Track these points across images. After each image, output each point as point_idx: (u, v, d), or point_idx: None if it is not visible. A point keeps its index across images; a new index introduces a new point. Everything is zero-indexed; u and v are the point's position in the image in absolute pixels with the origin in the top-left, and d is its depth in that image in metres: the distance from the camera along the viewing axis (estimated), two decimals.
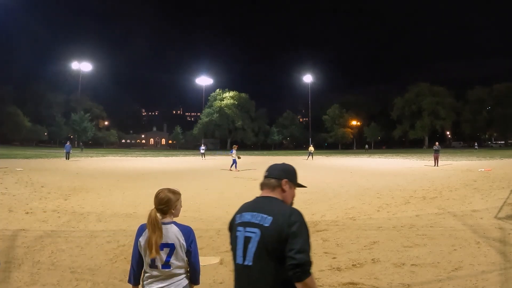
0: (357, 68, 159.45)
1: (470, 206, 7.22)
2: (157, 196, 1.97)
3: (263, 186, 1.70)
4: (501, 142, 66.30)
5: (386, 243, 4.74)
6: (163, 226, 1.89)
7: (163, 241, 1.86)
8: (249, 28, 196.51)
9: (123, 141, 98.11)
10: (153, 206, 1.96)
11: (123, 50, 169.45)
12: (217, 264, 4.06)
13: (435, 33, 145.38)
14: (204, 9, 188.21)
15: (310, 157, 30.38)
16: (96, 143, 79.02)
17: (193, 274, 1.96)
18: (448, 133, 78.05)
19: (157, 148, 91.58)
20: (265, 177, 1.70)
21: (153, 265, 1.87)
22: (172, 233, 1.88)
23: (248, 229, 1.56)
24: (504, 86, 62.69)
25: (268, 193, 1.65)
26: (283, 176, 1.66)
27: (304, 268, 1.37)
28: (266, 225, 1.50)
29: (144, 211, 7.01)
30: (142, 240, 1.89)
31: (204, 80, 74.48)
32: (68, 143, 27.46)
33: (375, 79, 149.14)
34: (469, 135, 72.30)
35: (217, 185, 11.50)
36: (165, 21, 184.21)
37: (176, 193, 2.01)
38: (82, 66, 65.02)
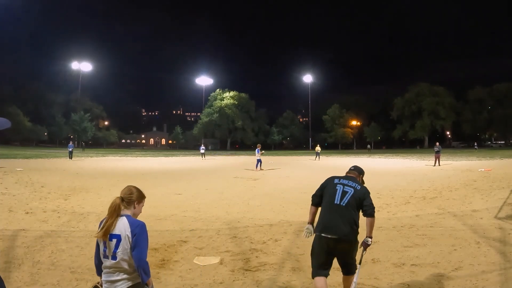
0: (357, 68, 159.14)
1: (470, 206, 7.22)
2: (126, 188, 2.11)
3: (352, 172, 3.12)
4: (501, 142, 66.31)
5: (386, 243, 4.75)
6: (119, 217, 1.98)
7: (113, 232, 1.93)
8: (249, 28, 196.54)
9: (123, 141, 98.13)
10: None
11: (123, 50, 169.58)
12: (217, 264, 4.06)
13: (435, 33, 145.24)
14: (204, 9, 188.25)
15: (317, 157, 29.85)
16: (96, 143, 79.04)
17: (138, 271, 1.91)
18: (448, 133, 78.05)
19: (157, 148, 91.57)
20: (352, 170, 3.16)
21: (104, 255, 1.95)
22: (122, 224, 1.95)
23: (346, 187, 2.85)
24: (504, 86, 62.72)
25: (354, 175, 3.07)
26: (362, 173, 3.19)
27: (374, 210, 2.77)
28: (358, 188, 2.85)
29: (144, 211, 6.99)
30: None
31: (204, 80, 74.47)
32: (71, 143, 27.97)
33: (375, 79, 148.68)
34: (469, 135, 72.27)
35: (217, 185, 11.50)
36: (165, 21, 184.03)
37: (142, 193, 2.15)
38: (82, 66, 64.99)
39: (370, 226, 2.76)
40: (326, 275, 2.72)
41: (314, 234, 2.84)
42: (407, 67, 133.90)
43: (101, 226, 1.97)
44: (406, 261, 4.03)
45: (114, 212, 1.97)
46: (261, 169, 17.23)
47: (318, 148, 31.19)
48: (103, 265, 1.98)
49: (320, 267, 2.71)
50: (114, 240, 1.92)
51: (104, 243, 1.95)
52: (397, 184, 11.14)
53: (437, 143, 20.43)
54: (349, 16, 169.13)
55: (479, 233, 5.10)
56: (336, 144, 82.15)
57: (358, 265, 2.78)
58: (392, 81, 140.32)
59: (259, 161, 17.54)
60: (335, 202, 2.76)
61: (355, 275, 2.73)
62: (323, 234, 2.69)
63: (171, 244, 4.81)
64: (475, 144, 50.04)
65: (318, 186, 3.01)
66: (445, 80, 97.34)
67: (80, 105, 70.99)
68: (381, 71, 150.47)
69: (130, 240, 1.92)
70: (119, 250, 1.91)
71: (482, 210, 6.80)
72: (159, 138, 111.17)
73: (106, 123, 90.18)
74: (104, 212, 6.82)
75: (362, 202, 2.77)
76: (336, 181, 2.91)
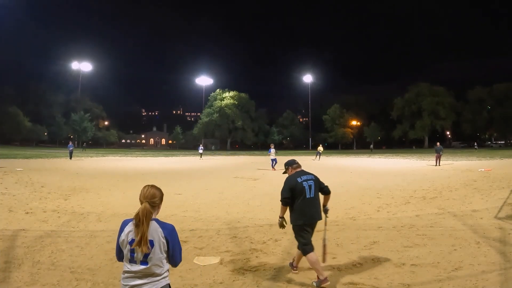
0: (357, 68, 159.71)
1: (470, 206, 7.22)
2: (147, 190, 1.98)
3: (299, 166, 3.79)
4: (501, 142, 66.26)
5: (386, 243, 4.75)
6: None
7: None
8: (249, 28, 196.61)
9: (123, 141, 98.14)
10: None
11: (123, 50, 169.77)
12: (217, 264, 4.06)
13: (435, 33, 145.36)
14: (205, 9, 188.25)
15: (318, 157, 29.81)
16: (96, 143, 79.02)
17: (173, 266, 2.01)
18: (448, 133, 78.02)
19: (157, 148, 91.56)
20: (297, 163, 3.80)
21: (132, 260, 1.87)
22: (154, 230, 1.88)
23: (308, 182, 3.56)
24: (504, 86, 62.63)
25: (301, 169, 3.76)
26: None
27: (329, 188, 3.70)
28: (314, 177, 3.63)
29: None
30: (123, 235, 1.91)
31: (204, 80, 74.52)
32: (70, 143, 28.08)
33: (375, 79, 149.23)
34: (469, 135, 72.24)
35: (217, 185, 11.50)
36: (165, 21, 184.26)
37: (162, 192, 2.06)
38: (82, 66, 65.10)
39: (328, 200, 3.76)
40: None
41: (293, 225, 3.58)
42: (407, 67, 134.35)
43: (137, 236, 1.85)
44: (406, 261, 4.02)
45: (148, 220, 1.87)
46: (273, 169, 17.06)
47: (320, 148, 31.05)
48: (126, 269, 1.90)
49: (309, 245, 3.51)
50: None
51: (132, 249, 1.87)
52: (397, 184, 11.13)
53: (438, 143, 20.47)
54: (349, 16, 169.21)
55: (479, 233, 5.10)
56: (336, 144, 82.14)
57: (325, 226, 3.89)
58: (392, 81, 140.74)
59: (273, 160, 17.42)
60: (307, 196, 3.50)
61: (324, 233, 3.82)
62: (307, 223, 3.52)
63: None
64: (475, 144, 50.00)
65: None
66: (445, 80, 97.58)
67: (80, 105, 70.99)
68: (381, 71, 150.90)
69: (165, 245, 1.89)
70: (151, 255, 1.85)
71: (482, 210, 6.80)
72: (159, 138, 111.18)
73: (106, 123, 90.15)
74: (104, 212, 6.85)
75: (320, 185, 3.64)
76: (299, 180, 3.55)
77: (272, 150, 18.04)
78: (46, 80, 73.35)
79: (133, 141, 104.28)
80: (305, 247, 3.48)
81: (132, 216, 1.96)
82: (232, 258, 4.27)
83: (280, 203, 3.60)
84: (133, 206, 7.51)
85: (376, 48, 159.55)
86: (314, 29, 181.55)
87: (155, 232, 1.87)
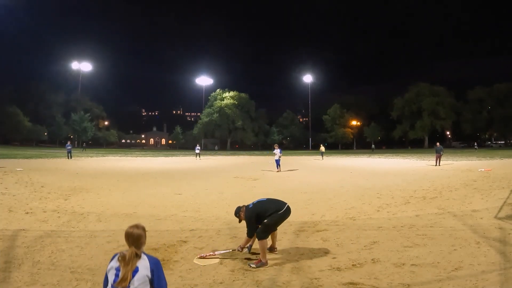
0: (357, 68, 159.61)
1: (470, 206, 7.22)
2: (131, 235, 2.10)
3: (244, 206, 4.44)
4: (501, 142, 66.29)
5: (386, 243, 4.74)
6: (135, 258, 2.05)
7: None
8: (249, 28, 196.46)
9: (123, 141, 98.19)
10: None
11: (123, 50, 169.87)
12: (217, 264, 4.06)
13: (435, 33, 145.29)
14: (205, 9, 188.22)
15: (321, 157, 30.16)
16: (96, 143, 79.04)
17: None
18: (448, 133, 77.99)
19: (157, 148, 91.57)
20: (242, 206, 4.45)
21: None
22: (140, 260, 2.03)
23: (256, 200, 4.43)
24: (504, 86, 62.72)
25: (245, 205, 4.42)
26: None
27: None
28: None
29: (144, 211, 7.02)
30: (113, 262, 2.05)
31: (204, 80, 74.58)
32: (69, 143, 27.96)
33: (375, 79, 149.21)
34: (469, 135, 72.25)
35: (217, 185, 11.50)
36: (165, 21, 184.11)
37: (144, 229, 2.20)
38: (82, 66, 65.16)
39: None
40: None
41: (271, 219, 4.05)
42: (407, 67, 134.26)
43: (120, 276, 1.97)
44: (406, 261, 4.02)
45: (134, 263, 2.00)
46: (278, 170, 16.86)
47: (322, 148, 31.37)
48: None
49: (268, 235, 4.10)
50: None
51: (117, 275, 1.98)
52: (397, 184, 11.13)
53: (438, 143, 20.49)
54: (349, 16, 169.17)
55: (479, 233, 5.10)
56: (336, 144, 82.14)
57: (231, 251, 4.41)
58: (392, 81, 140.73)
59: (277, 161, 17.17)
60: (264, 200, 4.39)
61: (224, 253, 4.37)
62: (281, 209, 4.14)
63: (171, 244, 4.81)
64: (475, 144, 50.02)
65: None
66: (445, 80, 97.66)
67: (80, 105, 71.01)
68: (381, 71, 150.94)
69: (149, 275, 2.00)
70: (135, 279, 1.95)
71: (482, 210, 6.80)
72: (159, 138, 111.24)
73: (106, 123, 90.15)
74: (104, 212, 6.86)
75: None
76: (251, 205, 4.27)
77: (278, 150, 17.70)
78: (46, 80, 73.43)
79: (133, 141, 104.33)
80: (264, 235, 4.01)
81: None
82: (232, 258, 4.27)
83: (246, 235, 4.20)
84: (133, 206, 7.51)
85: (376, 48, 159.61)
86: (314, 29, 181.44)
87: (140, 263, 2.02)
